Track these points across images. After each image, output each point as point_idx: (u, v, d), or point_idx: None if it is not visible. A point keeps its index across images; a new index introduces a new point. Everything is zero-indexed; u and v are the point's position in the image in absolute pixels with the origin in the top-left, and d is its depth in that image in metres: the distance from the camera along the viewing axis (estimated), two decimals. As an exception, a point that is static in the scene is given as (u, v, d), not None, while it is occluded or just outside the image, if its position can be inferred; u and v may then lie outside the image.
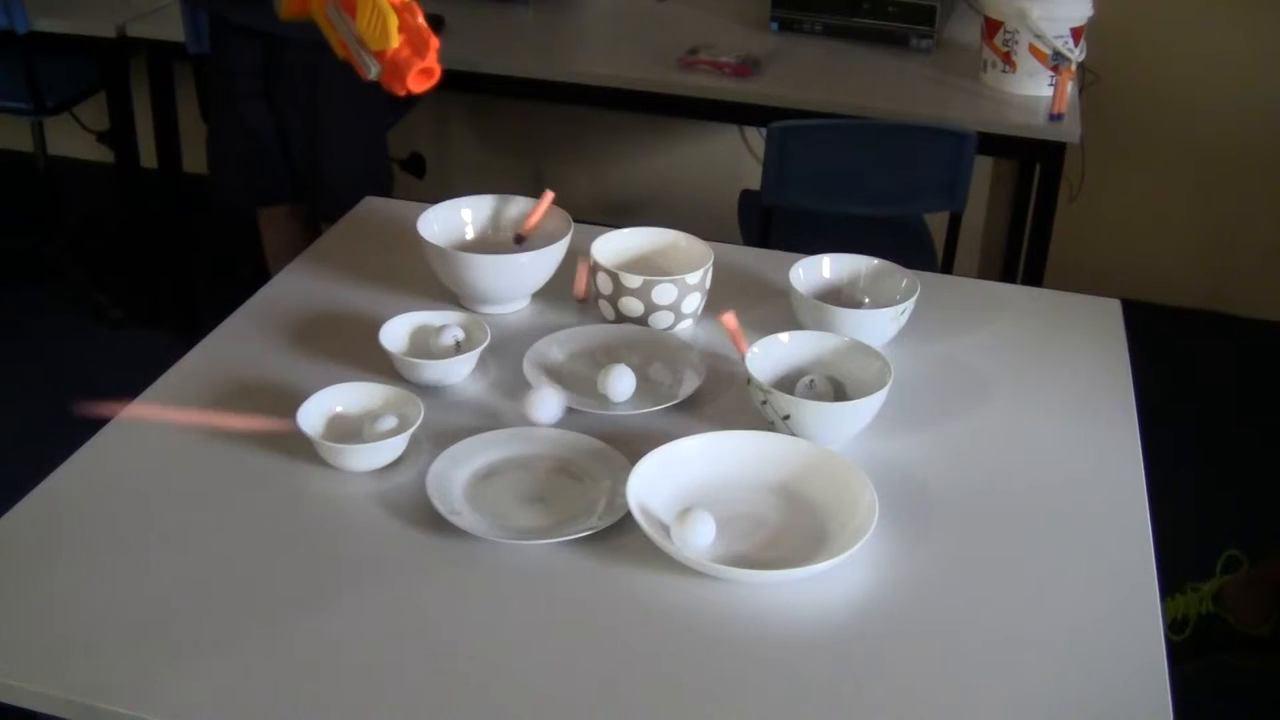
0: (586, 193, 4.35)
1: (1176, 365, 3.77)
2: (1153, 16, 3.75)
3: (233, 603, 1.39)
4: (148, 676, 1.29)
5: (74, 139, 4.19)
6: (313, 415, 1.63)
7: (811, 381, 1.70)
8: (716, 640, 1.37)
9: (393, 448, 1.61)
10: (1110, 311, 2.05)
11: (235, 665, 1.31)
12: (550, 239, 1.94)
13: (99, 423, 1.68)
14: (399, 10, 1.88)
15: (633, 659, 1.34)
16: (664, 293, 1.85)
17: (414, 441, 1.64)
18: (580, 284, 1.96)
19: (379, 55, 1.90)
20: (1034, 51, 3.02)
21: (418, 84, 1.89)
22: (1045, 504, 1.60)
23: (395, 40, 1.87)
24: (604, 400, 1.72)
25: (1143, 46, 3.77)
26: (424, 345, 1.81)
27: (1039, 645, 1.38)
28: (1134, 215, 4.04)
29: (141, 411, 1.71)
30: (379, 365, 1.78)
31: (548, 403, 1.67)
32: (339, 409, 1.67)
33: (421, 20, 1.89)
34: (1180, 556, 2.05)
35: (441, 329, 1.80)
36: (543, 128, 4.29)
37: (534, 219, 1.99)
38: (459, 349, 1.78)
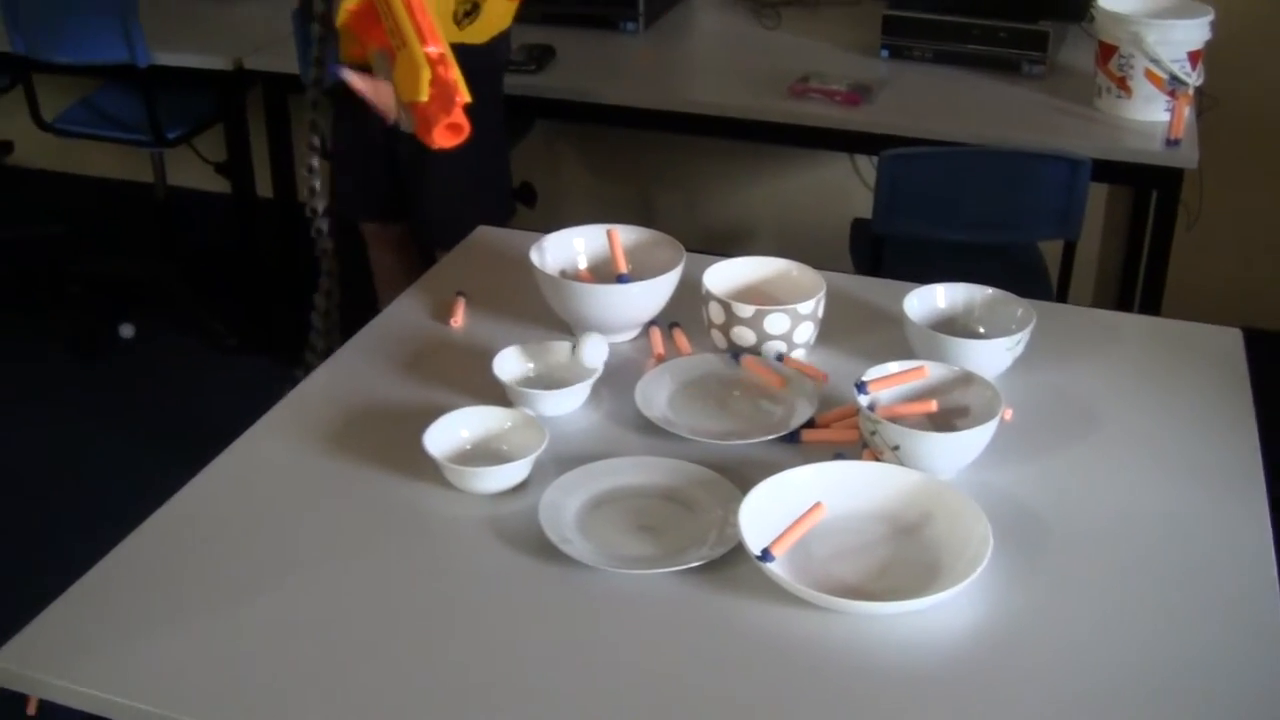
0: (696, 221, 4.35)
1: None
2: (1272, 39, 3.67)
3: (348, 627, 1.41)
4: (262, 698, 1.31)
5: (192, 170, 4.28)
6: (438, 438, 1.65)
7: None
8: (828, 673, 1.36)
9: (516, 472, 1.62)
10: (1231, 341, 2.01)
11: (349, 687, 1.33)
12: (662, 269, 1.94)
13: (218, 447, 1.71)
14: (433, 63, 1.86)
15: (743, 690, 1.34)
16: (776, 322, 1.84)
17: (537, 466, 1.65)
18: (657, 349, 1.94)
19: (410, 107, 1.90)
20: (1150, 76, 2.97)
21: (444, 139, 1.87)
22: (1162, 540, 1.57)
23: (425, 94, 1.86)
24: (705, 426, 1.73)
25: (1262, 70, 3.70)
26: (540, 374, 1.82)
27: (1156, 683, 1.36)
28: (1254, 242, 3.96)
29: (260, 435, 1.74)
30: (492, 394, 1.79)
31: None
32: (464, 432, 1.69)
33: (453, 75, 1.86)
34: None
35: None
36: (652, 156, 4.30)
37: (618, 258, 1.99)
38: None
